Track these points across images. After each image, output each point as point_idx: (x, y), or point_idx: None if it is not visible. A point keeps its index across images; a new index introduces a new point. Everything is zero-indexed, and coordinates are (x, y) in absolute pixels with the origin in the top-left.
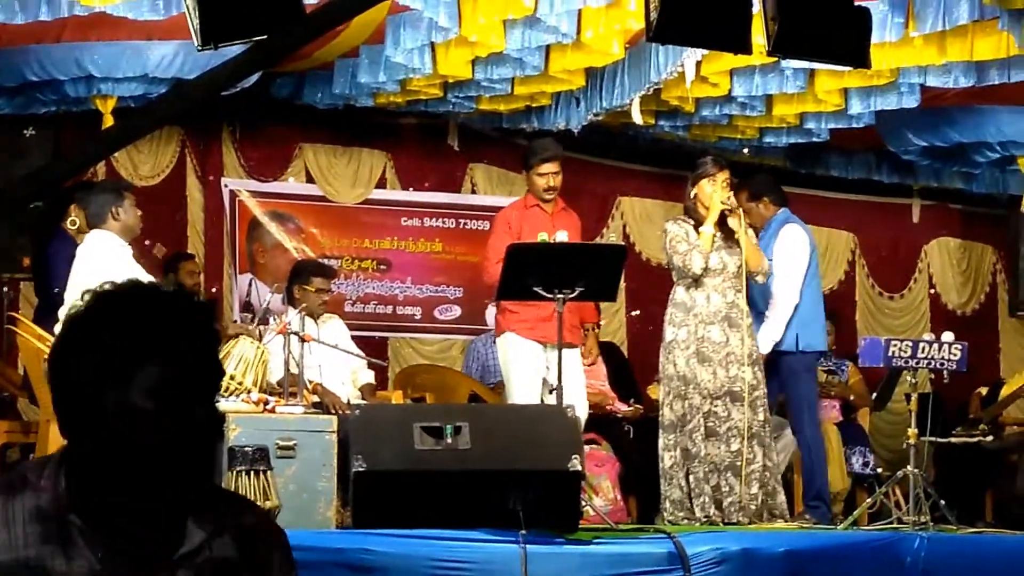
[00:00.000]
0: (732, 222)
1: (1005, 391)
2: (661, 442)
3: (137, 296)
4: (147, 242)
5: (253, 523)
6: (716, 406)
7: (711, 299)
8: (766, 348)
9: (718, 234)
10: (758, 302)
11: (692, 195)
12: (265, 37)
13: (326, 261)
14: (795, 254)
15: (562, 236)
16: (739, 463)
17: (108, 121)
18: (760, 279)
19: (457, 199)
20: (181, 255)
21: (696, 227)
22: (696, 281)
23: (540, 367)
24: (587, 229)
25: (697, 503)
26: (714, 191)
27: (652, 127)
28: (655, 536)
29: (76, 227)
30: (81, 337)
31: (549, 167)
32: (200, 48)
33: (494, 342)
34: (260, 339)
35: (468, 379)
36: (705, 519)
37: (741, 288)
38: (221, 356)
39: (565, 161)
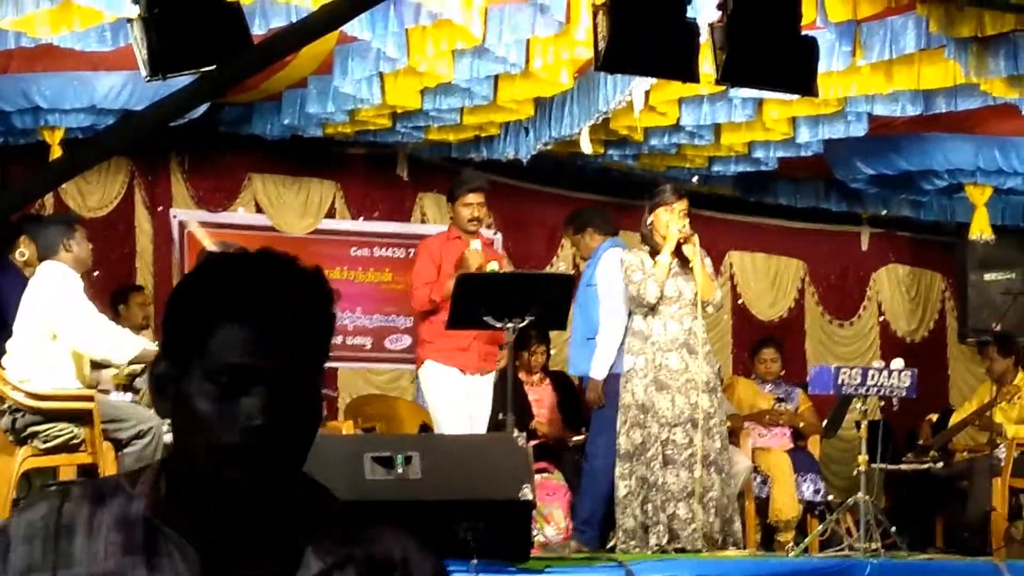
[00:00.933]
0: (687, 250)
1: (955, 418)
2: (617, 471)
3: (231, 259)
4: (96, 273)
5: (390, 553)
6: (675, 434)
7: (668, 327)
8: (602, 374)
9: (674, 262)
10: (582, 327)
11: (649, 223)
12: (213, 68)
13: None
14: (616, 276)
15: (493, 267)
16: (702, 490)
17: (56, 152)
18: (711, 309)
19: (407, 228)
20: (130, 287)
21: (652, 255)
22: (653, 309)
23: (462, 395)
24: (537, 258)
25: (653, 532)
26: (671, 220)
27: (601, 156)
28: (607, 564)
29: (24, 259)
30: (172, 306)
31: (475, 197)
32: (148, 79)
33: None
34: None
35: (419, 409)
36: (657, 547)
37: (698, 315)
38: None
39: (515, 190)
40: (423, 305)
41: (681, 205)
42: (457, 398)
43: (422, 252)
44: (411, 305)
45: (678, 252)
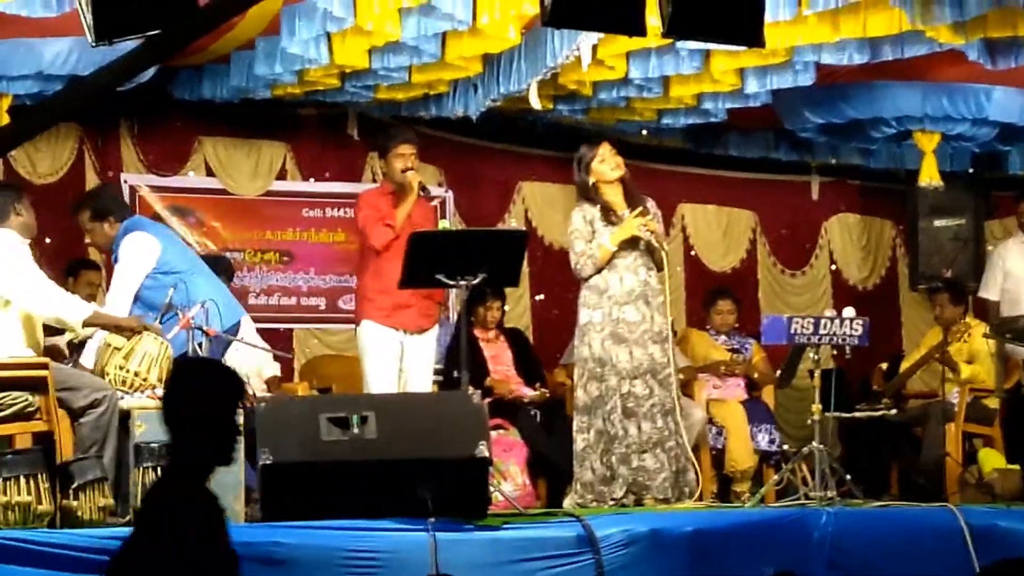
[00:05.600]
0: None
1: (905, 364)
2: (575, 424)
3: None
4: (48, 240)
5: None
6: (635, 386)
7: (624, 279)
8: None
9: (626, 211)
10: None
11: (591, 183)
12: (159, 32)
13: (228, 254)
14: (133, 259)
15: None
16: (664, 439)
17: (3, 119)
18: None
19: (358, 188)
20: (84, 263)
21: (603, 211)
22: (608, 262)
23: (396, 355)
24: (489, 215)
25: (616, 484)
26: (608, 165)
27: (550, 112)
28: (564, 520)
29: None
30: None
31: (407, 148)
32: (94, 44)
33: None
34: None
35: None
36: (614, 501)
37: (652, 266)
38: (124, 353)
39: (465, 147)
40: (383, 239)
41: (604, 148)
42: (390, 361)
43: (363, 203)
44: (370, 245)
45: (628, 198)
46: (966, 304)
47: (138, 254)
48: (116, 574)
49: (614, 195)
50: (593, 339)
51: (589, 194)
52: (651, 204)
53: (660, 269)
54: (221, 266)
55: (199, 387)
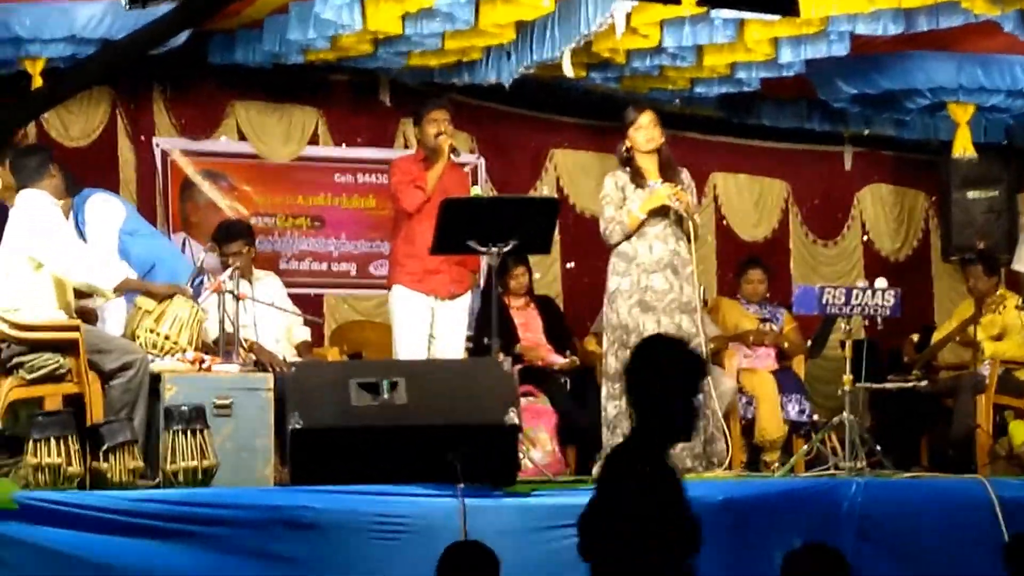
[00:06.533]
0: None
1: (936, 336)
2: (604, 391)
3: None
4: None
5: None
6: None
7: (653, 248)
8: None
9: (658, 182)
10: None
11: (627, 148)
12: None
13: (259, 219)
14: (102, 217)
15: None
16: None
17: (37, 83)
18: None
19: (390, 154)
20: None
21: (634, 178)
22: (638, 229)
23: (426, 320)
24: (521, 182)
25: None
26: (645, 134)
27: (584, 79)
28: (593, 487)
29: None
30: None
31: (440, 114)
32: (128, 8)
33: None
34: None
35: None
36: None
37: (682, 236)
38: (155, 316)
39: (497, 114)
40: (415, 201)
41: (646, 118)
42: (420, 326)
43: (396, 169)
44: (402, 207)
45: (663, 169)
46: (999, 276)
47: (104, 212)
48: (584, 534)
49: (649, 163)
50: (620, 306)
51: (623, 158)
52: (685, 175)
53: (691, 239)
54: (241, 230)
55: (665, 365)
